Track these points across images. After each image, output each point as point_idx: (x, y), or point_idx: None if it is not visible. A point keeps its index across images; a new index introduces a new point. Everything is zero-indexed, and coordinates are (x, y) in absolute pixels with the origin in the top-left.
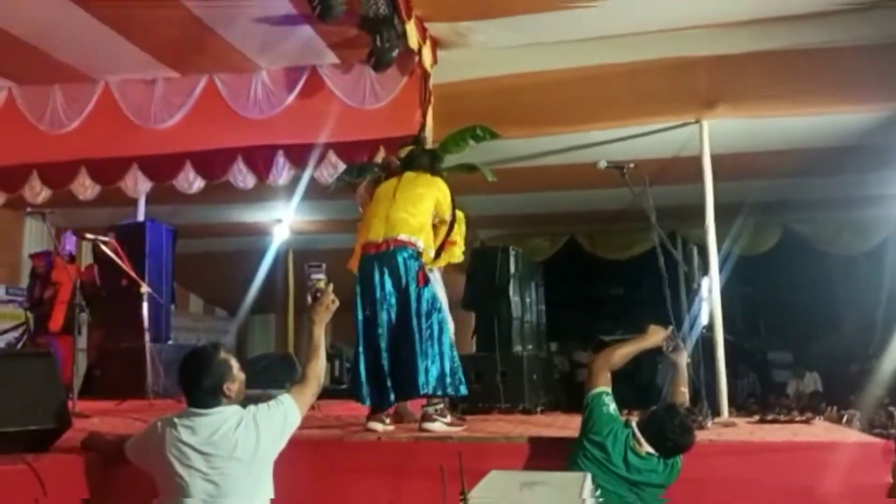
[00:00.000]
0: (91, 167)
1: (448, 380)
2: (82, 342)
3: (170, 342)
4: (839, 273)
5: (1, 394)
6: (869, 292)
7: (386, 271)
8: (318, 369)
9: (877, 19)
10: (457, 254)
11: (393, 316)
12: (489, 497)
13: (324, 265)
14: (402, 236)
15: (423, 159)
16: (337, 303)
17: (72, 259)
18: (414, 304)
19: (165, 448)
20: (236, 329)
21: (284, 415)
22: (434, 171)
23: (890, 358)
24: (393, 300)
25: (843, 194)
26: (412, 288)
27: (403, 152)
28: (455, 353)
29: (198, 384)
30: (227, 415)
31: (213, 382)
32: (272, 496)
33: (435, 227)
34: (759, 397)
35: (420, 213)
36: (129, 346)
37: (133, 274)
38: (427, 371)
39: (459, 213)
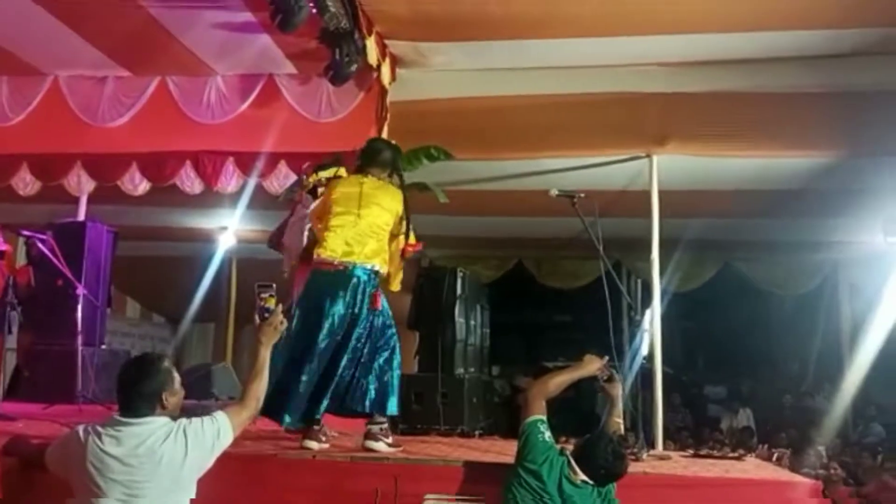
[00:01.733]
0: (33, 163)
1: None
2: (12, 341)
3: (103, 346)
4: (776, 311)
5: None
6: (804, 331)
7: (339, 292)
8: (259, 390)
9: (826, 68)
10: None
11: (338, 334)
12: None
13: (274, 285)
14: (361, 259)
15: (385, 155)
16: (285, 323)
17: (0, 256)
18: (366, 325)
19: (86, 457)
20: (175, 337)
21: (216, 433)
22: (396, 172)
23: (823, 397)
24: (341, 319)
25: (784, 237)
26: (365, 311)
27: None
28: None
29: (137, 390)
30: (155, 426)
31: (153, 389)
32: None
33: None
34: (692, 431)
35: (382, 232)
36: (60, 348)
37: (69, 274)
38: (374, 390)
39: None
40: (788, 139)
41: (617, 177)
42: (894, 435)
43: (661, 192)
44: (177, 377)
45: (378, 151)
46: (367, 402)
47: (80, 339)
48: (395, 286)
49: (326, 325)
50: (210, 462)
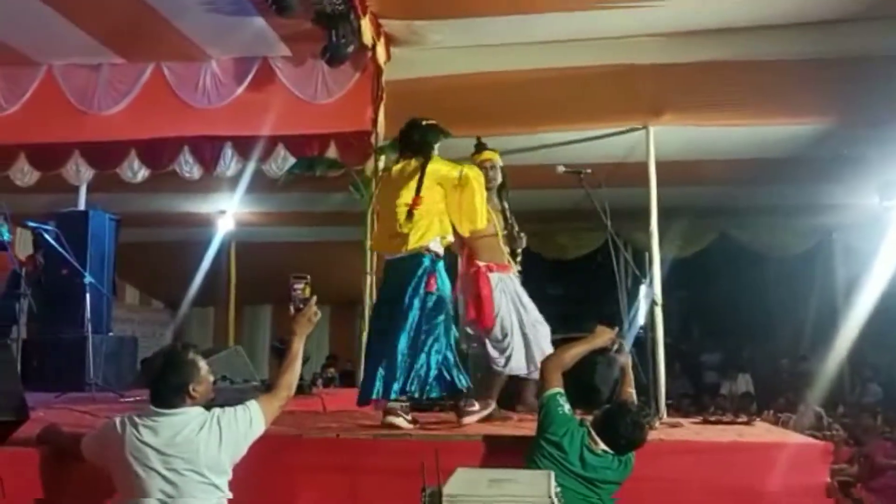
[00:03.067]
0: (31, 153)
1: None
2: (21, 332)
3: (111, 334)
4: (771, 276)
5: None
6: (799, 296)
7: (394, 282)
8: (292, 380)
9: (818, 36)
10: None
11: (398, 319)
12: (462, 493)
13: (308, 277)
14: (411, 246)
15: (413, 136)
16: (319, 314)
17: (2, 247)
18: (417, 309)
19: (125, 448)
20: (174, 322)
21: (249, 422)
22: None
23: (820, 360)
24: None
25: (780, 202)
26: (421, 292)
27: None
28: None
29: (164, 382)
30: (190, 416)
31: (179, 382)
32: (230, 497)
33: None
34: (693, 398)
35: (426, 212)
36: (68, 336)
37: (76, 263)
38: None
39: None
40: (782, 107)
41: (615, 149)
42: (892, 394)
43: (657, 163)
44: (202, 366)
45: (403, 135)
46: (416, 386)
47: (89, 328)
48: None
49: (385, 312)
50: (244, 449)
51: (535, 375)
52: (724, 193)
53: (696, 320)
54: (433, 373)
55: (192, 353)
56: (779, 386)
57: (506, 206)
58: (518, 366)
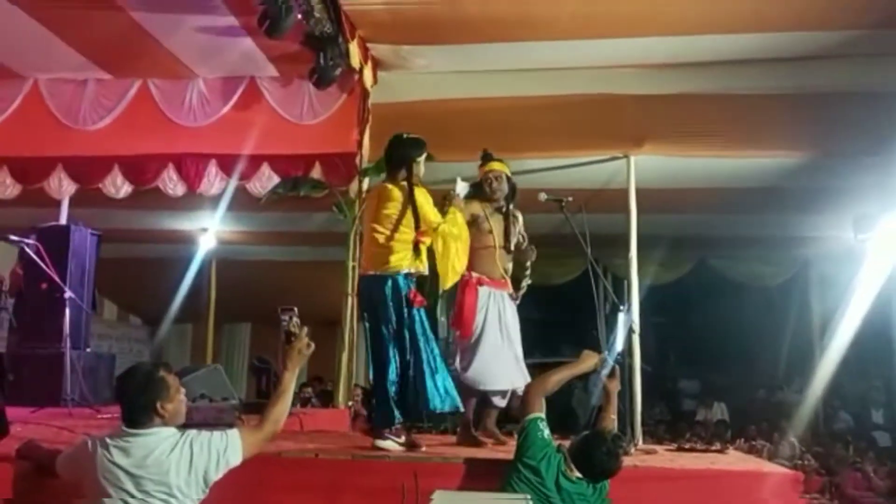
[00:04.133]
0: (13, 166)
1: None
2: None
3: (88, 350)
4: (748, 307)
5: None
6: (776, 326)
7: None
8: (280, 414)
9: (793, 71)
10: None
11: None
12: None
13: (295, 309)
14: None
15: (388, 154)
16: (312, 347)
17: None
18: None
19: (96, 469)
20: (153, 339)
21: (223, 450)
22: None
23: (795, 390)
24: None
25: (758, 233)
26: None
27: None
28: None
29: (133, 400)
30: (161, 437)
31: (148, 400)
32: None
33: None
34: (669, 424)
35: (379, 235)
36: (47, 351)
37: (56, 278)
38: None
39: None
40: (760, 139)
41: (596, 176)
42: (862, 422)
43: (638, 191)
44: (172, 384)
45: (386, 150)
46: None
47: (67, 343)
48: (445, 284)
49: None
50: (215, 476)
51: (496, 401)
52: (704, 222)
53: (673, 347)
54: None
55: (162, 371)
56: (753, 415)
57: (515, 217)
58: (475, 378)
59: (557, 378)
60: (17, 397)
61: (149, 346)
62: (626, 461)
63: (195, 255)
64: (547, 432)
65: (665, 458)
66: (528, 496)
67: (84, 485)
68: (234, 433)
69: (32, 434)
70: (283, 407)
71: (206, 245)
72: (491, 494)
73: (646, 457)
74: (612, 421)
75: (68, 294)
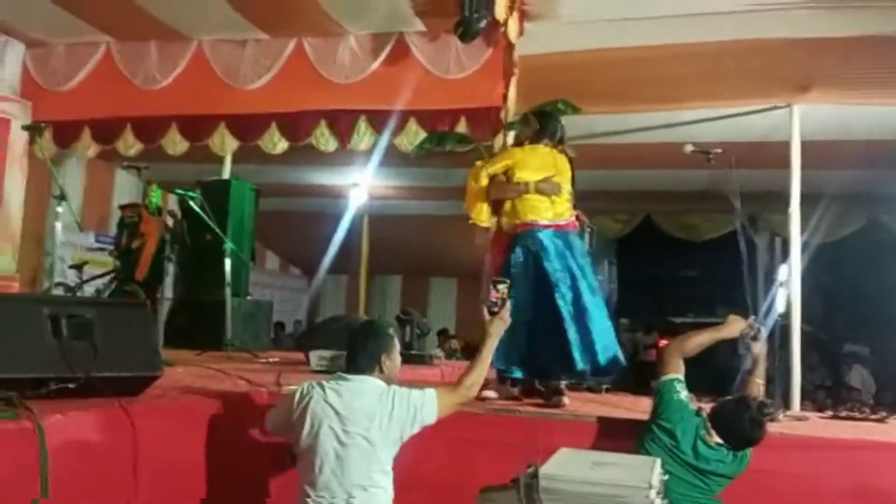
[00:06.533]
0: (181, 124)
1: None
2: (167, 293)
3: (248, 297)
4: None
5: (101, 341)
6: None
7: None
8: (476, 379)
9: None
10: None
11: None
12: (560, 474)
13: (508, 281)
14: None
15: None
16: (510, 320)
17: (158, 212)
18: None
19: (308, 406)
20: (310, 288)
21: (420, 407)
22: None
23: None
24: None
25: None
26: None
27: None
28: None
29: (363, 346)
30: (370, 385)
31: (375, 351)
32: (390, 473)
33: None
34: (830, 391)
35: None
36: (209, 298)
37: (218, 230)
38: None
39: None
40: None
41: (754, 128)
42: None
43: (801, 143)
44: (397, 346)
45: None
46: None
47: (228, 291)
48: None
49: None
50: (410, 431)
51: None
52: (874, 177)
53: (841, 309)
54: None
55: (391, 330)
56: None
57: None
58: None
59: (699, 340)
60: (182, 341)
61: (307, 295)
62: (773, 428)
63: (348, 209)
64: (685, 394)
65: (817, 425)
66: (658, 459)
67: (295, 429)
68: (431, 392)
69: (192, 375)
70: (479, 373)
71: (357, 200)
72: (618, 455)
73: (795, 424)
74: (758, 386)
75: (228, 245)
